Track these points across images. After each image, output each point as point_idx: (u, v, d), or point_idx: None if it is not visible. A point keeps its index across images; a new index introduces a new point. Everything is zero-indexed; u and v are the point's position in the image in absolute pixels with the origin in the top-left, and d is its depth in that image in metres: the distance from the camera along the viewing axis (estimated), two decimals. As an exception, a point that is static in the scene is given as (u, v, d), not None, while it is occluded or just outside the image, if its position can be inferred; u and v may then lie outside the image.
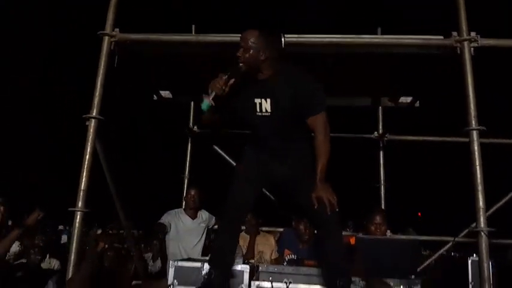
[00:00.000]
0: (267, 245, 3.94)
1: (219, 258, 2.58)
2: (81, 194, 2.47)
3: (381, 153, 4.75)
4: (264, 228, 4.41)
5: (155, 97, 4.30)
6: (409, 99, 4.26)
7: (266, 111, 2.43)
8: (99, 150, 2.67)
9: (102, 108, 2.63)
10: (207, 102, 2.30)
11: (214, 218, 4.43)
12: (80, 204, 2.48)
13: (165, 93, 4.29)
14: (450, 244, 3.51)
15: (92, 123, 2.60)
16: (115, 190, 2.95)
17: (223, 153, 5.02)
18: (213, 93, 2.31)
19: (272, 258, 3.84)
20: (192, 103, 4.78)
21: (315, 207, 2.29)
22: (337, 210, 2.31)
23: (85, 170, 2.51)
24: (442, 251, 3.75)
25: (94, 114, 2.61)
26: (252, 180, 2.57)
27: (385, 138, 4.68)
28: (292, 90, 2.41)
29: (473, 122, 2.36)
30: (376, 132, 4.67)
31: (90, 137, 2.56)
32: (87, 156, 2.52)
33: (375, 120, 4.69)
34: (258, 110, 2.44)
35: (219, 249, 2.60)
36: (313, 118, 2.42)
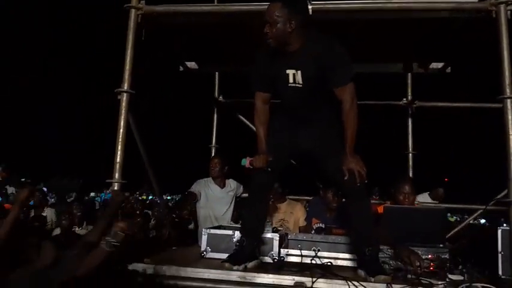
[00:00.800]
0: (291, 213, 4.00)
1: (249, 226, 2.67)
2: (117, 166, 2.58)
3: (410, 120, 4.67)
4: (290, 197, 4.47)
5: (181, 68, 4.33)
6: (440, 65, 4.12)
7: (298, 82, 2.45)
8: (131, 122, 2.75)
9: (132, 82, 2.68)
10: (245, 162, 2.50)
11: (242, 186, 4.52)
12: (116, 175, 2.59)
13: (191, 64, 4.31)
14: (479, 212, 3.47)
15: (124, 97, 2.67)
16: (148, 161, 3.05)
17: (248, 123, 5.05)
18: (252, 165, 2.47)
19: (300, 226, 3.91)
20: (217, 73, 4.78)
21: (345, 178, 2.32)
22: (366, 181, 2.34)
23: (119, 142, 2.60)
24: (470, 219, 3.74)
25: (125, 88, 2.67)
26: (280, 149, 2.61)
27: (414, 105, 4.59)
28: (321, 60, 2.41)
29: (508, 90, 2.29)
30: (405, 99, 4.59)
31: (123, 110, 2.64)
32: (121, 130, 2.61)
33: (404, 87, 4.58)
34: (291, 80, 2.46)
35: (250, 217, 2.69)
36: (340, 89, 2.42)
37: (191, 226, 4.07)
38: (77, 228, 4.77)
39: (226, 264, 2.50)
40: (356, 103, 2.41)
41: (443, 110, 4.62)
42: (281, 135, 2.64)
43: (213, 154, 4.91)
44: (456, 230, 3.65)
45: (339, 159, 2.39)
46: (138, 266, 2.55)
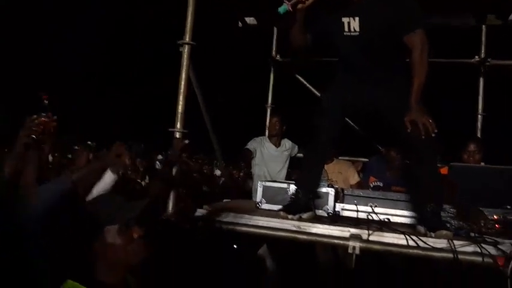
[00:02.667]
0: (340, 173, 3.94)
1: (306, 179, 2.68)
2: (179, 116, 2.67)
3: (481, 80, 4.33)
4: (345, 158, 4.40)
5: (240, 24, 4.31)
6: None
7: (354, 30, 2.34)
8: (191, 75, 2.81)
9: (194, 34, 2.72)
10: (285, 6, 2.26)
11: (296, 146, 4.53)
12: (178, 125, 2.69)
13: (250, 20, 4.26)
14: None
15: (186, 49, 2.72)
16: (207, 116, 3.12)
17: (306, 83, 4.97)
18: (296, 2, 2.27)
19: (351, 184, 3.85)
20: (275, 31, 4.69)
21: (408, 130, 2.22)
22: (433, 135, 2.22)
23: (181, 93, 2.67)
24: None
25: (187, 39, 2.72)
26: (340, 106, 2.55)
27: (487, 63, 4.23)
28: (385, 8, 2.27)
29: None
30: (477, 57, 4.23)
31: (185, 62, 2.69)
32: (183, 82, 2.68)
33: (477, 43, 4.22)
34: (346, 29, 2.35)
35: (307, 168, 2.69)
36: (410, 36, 2.28)
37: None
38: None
39: (282, 213, 2.54)
40: (426, 50, 2.27)
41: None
42: (341, 93, 2.56)
43: (268, 114, 4.93)
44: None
45: (403, 114, 2.27)
46: (198, 212, 2.68)
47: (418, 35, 2.28)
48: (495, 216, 2.49)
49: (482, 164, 3.25)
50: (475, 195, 2.61)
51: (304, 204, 2.65)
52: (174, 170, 2.70)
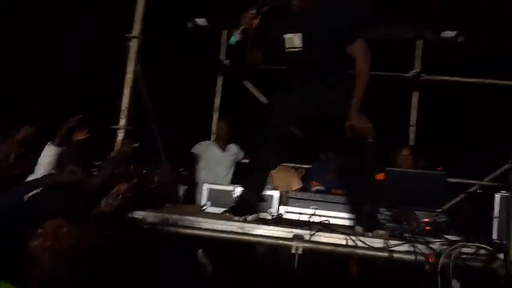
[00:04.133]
0: (282, 178, 3.99)
1: (252, 181, 2.69)
2: (126, 112, 2.56)
3: (415, 93, 4.63)
4: (289, 164, 4.48)
5: (191, 24, 4.25)
6: (453, 33, 4.03)
7: (298, 46, 2.37)
8: (139, 71, 2.73)
9: (143, 29, 2.64)
10: (235, 36, 2.28)
11: (243, 152, 4.54)
12: (122, 122, 2.59)
13: (201, 21, 4.22)
14: (490, 177, 3.47)
15: (134, 43, 2.63)
16: (153, 114, 3.04)
17: (252, 89, 5.02)
18: (242, 27, 2.27)
19: (292, 189, 3.92)
20: (225, 34, 4.69)
21: (348, 135, 2.32)
22: (371, 140, 2.33)
23: (127, 88, 2.58)
24: (473, 189, 3.77)
25: (136, 33, 2.63)
26: (286, 114, 2.58)
27: (421, 78, 4.52)
28: (327, 19, 2.34)
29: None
30: (411, 71, 4.52)
31: (133, 56, 2.60)
32: (129, 75, 2.58)
33: (412, 57, 4.51)
34: (288, 45, 2.39)
35: (253, 173, 2.69)
36: (351, 46, 2.37)
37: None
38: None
39: (227, 215, 2.53)
40: (369, 58, 2.36)
41: (450, 85, 4.55)
42: (288, 102, 2.59)
43: (215, 118, 4.91)
44: (457, 199, 3.69)
45: (344, 117, 2.37)
46: (139, 214, 2.58)
47: (359, 45, 2.36)
48: (426, 219, 2.66)
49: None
50: (409, 198, 2.77)
51: (250, 206, 2.66)
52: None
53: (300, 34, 2.35)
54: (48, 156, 1.89)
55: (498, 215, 2.55)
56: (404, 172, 3.05)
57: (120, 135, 2.59)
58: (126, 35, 2.61)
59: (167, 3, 3.52)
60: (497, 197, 2.57)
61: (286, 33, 2.37)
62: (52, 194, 1.42)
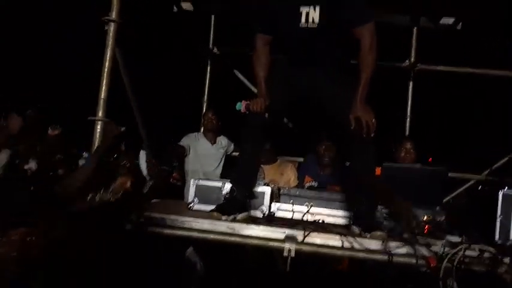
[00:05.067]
0: (282, 174, 3.86)
1: (241, 175, 2.53)
2: (101, 102, 2.36)
3: (411, 83, 4.48)
4: (287, 158, 4.33)
5: (175, 8, 4.01)
6: (451, 20, 3.88)
7: (313, 21, 2.15)
8: (118, 57, 2.52)
9: (121, 11, 2.42)
10: (240, 106, 2.31)
11: (233, 144, 4.37)
12: (100, 113, 2.39)
13: (186, 5, 3.99)
14: (489, 170, 3.36)
15: (112, 27, 2.41)
16: (135, 103, 2.84)
17: (243, 78, 4.83)
18: (249, 105, 2.28)
19: (291, 187, 3.79)
20: (213, 19, 4.46)
21: (351, 127, 2.15)
22: (372, 135, 2.17)
23: (105, 77, 2.37)
24: (471, 182, 3.66)
25: (114, 17, 2.41)
26: (281, 95, 2.39)
27: (416, 68, 4.38)
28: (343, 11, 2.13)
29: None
30: (407, 61, 4.37)
31: (110, 41, 2.39)
32: (107, 63, 2.37)
33: (408, 46, 4.35)
34: (303, 20, 2.16)
35: (242, 165, 2.54)
36: (360, 29, 2.17)
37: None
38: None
39: (215, 214, 2.36)
40: (376, 45, 2.18)
41: (446, 75, 4.41)
42: (282, 87, 2.40)
43: (204, 109, 4.72)
44: (455, 193, 3.58)
45: (347, 107, 2.20)
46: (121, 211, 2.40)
47: (368, 29, 2.18)
48: (425, 217, 2.52)
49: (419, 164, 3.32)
50: (406, 195, 2.63)
51: (239, 204, 2.49)
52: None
53: (319, 8, 2.12)
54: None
55: (501, 215, 2.42)
56: (401, 167, 2.89)
57: (98, 127, 2.38)
58: (103, 18, 2.38)
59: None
60: (501, 194, 2.44)
61: (303, 5, 2.14)
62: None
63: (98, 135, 2.36)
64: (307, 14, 2.15)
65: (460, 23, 3.98)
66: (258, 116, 2.30)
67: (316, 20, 2.16)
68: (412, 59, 4.36)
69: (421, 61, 4.34)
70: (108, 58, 2.38)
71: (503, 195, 2.44)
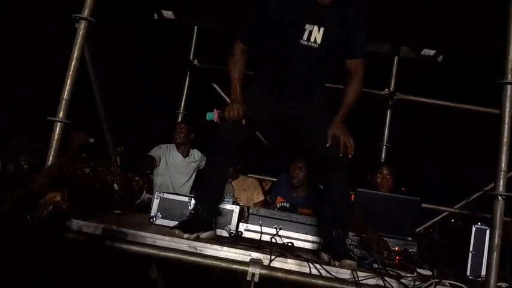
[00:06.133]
0: (244, 190, 3.76)
1: (208, 191, 2.39)
2: (63, 103, 2.19)
3: (389, 112, 4.48)
4: (254, 176, 4.23)
5: (156, 16, 3.90)
6: (432, 52, 3.92)
7: (315, 41, 2.13)
8: (88, 59, 2.37)
9: (95, 9, 2.28)
10: (212, 116, 2.20)
11: (206, 159, 4.23)
12: (61, 114, 2.21)
13: (168, 14, 3.88)
14: (464, 202, 3.33)
15: (82, 25, 2.27)
16: (103, 108, 2.68)
17: (223, 94, 4.74)
18: (221, 115, 2.18)
19: (254, 202, 3.67)
20: (196, 30, 4.37)
21: (327, 145, 2.08)
22: (350, 156, 2.10)
23: (70, 76, 2.21)
24: (444, 214, 3.63)
25: (86, 14, 2.27)
26: (260, 109, 2.28)
27: (395, 97, 4.39)
28: (344, 24, 2.13)
29: (510, 76, 2.09)
30: (387, 89, 4.38)
31: (79, 40, 2.24)
32: (74, 62, 2.22)
33: (388, 75, 4.37)
34: (305, 37, 2.12)
35: (209, 181, 2.40)
36: (357, 61, 2.20)
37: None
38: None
39: (176, 231, 2.20)
40: (362, 80, 2.25)
41: (425, 106, 4.43)
42: (260, 103, 2.30)
43: (179, 120, 4.58)
44: (428, 224, 3.53)
45: (325, 128, 2.16)
46: (73, 223, 2.22)
47: (362, 62, 2.23)
48: (396, 248, 2.44)
49: None
50: (379, 224, 2.54)
51: (204, 222, 2.34)
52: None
53: (323, 29, 2.11)
54: None
55: (473, 250, 2.36)
56: (375, 194, 2.81)
57: (57, 128, 2.21)
58: (73, 15, 2.24)
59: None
60: (474, 229, 2.38)
61: (309, 23, 2.11)
62: None
63: (56, 137, 2.18)
64: (310, 33, 2.12)
65: (441, 56, 4.03)
66: (232, 128, 2.18)
67: (318, 40, 2.14)
68: (392, 88, 4.37)
69: (400, 90, 4.35)
70: (75, 57, 2.22)
71: (476, 229, 2.39)
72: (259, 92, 2.35)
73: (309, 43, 2.14)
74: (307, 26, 2.12)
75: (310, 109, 2.28)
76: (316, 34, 2.12)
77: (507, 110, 2.05)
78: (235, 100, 2.23)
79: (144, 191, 3.71)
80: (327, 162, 2.21)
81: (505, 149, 2.03)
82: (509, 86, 2.08)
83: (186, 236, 2.17)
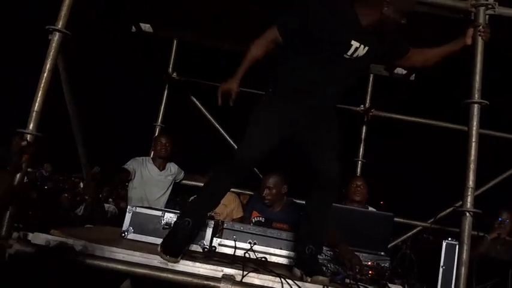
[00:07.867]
0: (224, 205, 3.68)
1: (205, 208, 2.34)
2: (34, 115, 2.14)
3: (364, 128, 4.56)
4: (235, 190, 4.18)
5: (134, 29, 3.89)
6: (404, 71, 4.04)
7: (357, 57, 2.16)
8: (61, 71, 2.33)
9: (69, 22, 2.26)
10: None
11: (183, 172, 4.19)
12: (31, 126, 2.16)
13: (146, 27, 3.87)
14: (434, 218, 3.38)
15: (56, 37, 2.24)
16: (76, 121, 2.64)
17: (202, 107, 4.73)
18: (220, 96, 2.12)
19: (233, 218, 3.64)
20: (175, 44, 4.37)
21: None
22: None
23: (41, 88, 2.16)
24: (417, 229, 3.68)
25: (59, 26, 2.24)
26: (282, 126, 2.20)
27: (370, 114, 4.48)
28: (382, 43, 2.22)
29: (476, 96, 2.18)
30: (362, 106, 4.47)
31: (52, 52, 2.21)
32: (46, 74, 2.17)
33: (363, 92, 4.47)
34: (350, 52, 2.14)
35: (209, 200, 2.32)
36: (407, 54, 2.36)
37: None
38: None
39: (159, 250, 2.13)
40: None
41: (399, 122, 4.54)
42: (286, 116, 2.20)
43: (156, 133, 4.53)
44: (400, 239, 3.57)
45: (330, 148, 2.21)
46: (41, 237, 2.15)
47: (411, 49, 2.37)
48: (369, 262, 2.46)
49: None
50: (352, 238, 2.56)
51: (193, 237, 2.32)
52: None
53: (367, 48, 2.16)
54: None
55: (444, 265, 2.39)
56: (348, 209, 2.84)
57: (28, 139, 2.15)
58: (47, 27, 2.21)
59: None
60: (445, 244, 2.42)
61: (356, 40, 2.14)
62: None
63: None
64: (356, 49, 2.15)
65: (414, 75, 4.15)
66: (255, 147, 2.13)
67: (361, 55, 2.19)
68: (367, 104, 4.46)
69: (375, 107, 4.44)
70: (47, 69, 2.18)
71: (447, 245, 2.43)
72: (282, 112, 2.22)
73: (352, 57, 2.17)
74: (353, 41, 2.14)
75: (323, 125, 2.27)
76: (360, 51, 2.16)
77: (474, 128, 2.12)
78: (239, 77, 2.14)
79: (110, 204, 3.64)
80: (318, 180, 2.20)
81: (472, 166, 2.08)
82: (475, 105, 2.16)
83: (167, 258, 2.10)
